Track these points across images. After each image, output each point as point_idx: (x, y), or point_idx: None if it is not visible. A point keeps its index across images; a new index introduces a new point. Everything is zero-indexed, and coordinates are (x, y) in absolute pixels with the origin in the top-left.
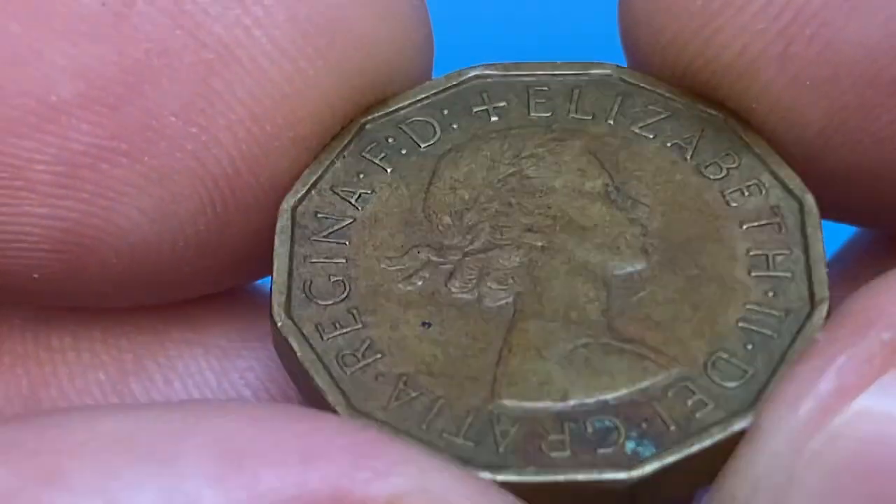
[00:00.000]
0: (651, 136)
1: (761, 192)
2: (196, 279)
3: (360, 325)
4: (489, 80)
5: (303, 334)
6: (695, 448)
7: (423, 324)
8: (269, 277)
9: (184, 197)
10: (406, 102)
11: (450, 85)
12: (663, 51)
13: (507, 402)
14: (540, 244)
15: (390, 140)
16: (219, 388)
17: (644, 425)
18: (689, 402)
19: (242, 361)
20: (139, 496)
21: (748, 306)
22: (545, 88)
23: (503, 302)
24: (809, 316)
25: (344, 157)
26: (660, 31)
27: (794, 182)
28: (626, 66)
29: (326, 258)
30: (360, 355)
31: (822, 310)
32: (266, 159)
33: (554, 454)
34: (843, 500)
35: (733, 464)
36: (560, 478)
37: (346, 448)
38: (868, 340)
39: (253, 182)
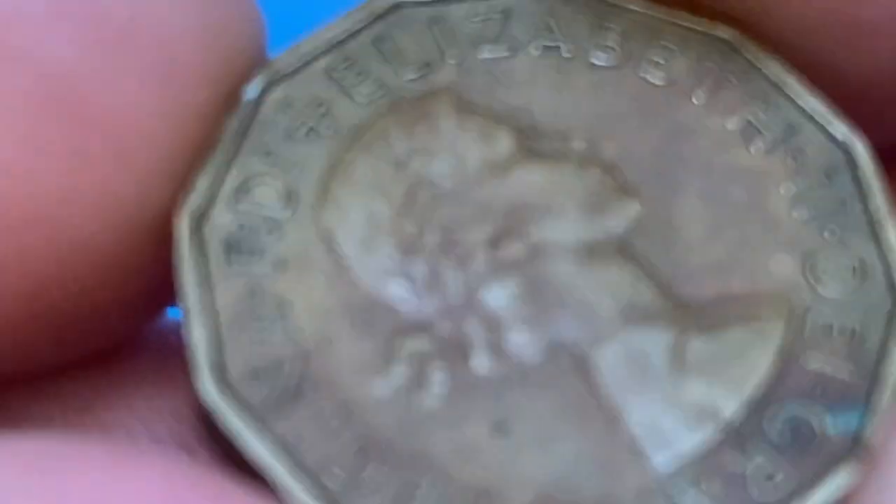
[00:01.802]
0: (508, 53)
1: (676, 54)
2: None
3: (432, 477)
4: (280, 87)
5: None
6: (892, 383)
7: (496, 429)
8: None
9: None
10: (210, 180)
11: (246, 118)
12: None
13: (666, 460)
14: (521, 253)
15: (242, 228)
16: None
17: (820, 392)
18: (835, 333)
19: None
20: None
21: (781, 189)
22: (351, 60)
23: (547, 346)
24: (856, 177)
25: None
26: None
27: (712, 32)
28: None
29: (321, 424)
30: None
31: (861, 149)
32: None
33: (768, 486)
34: None
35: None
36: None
37: None
38: None
39: None
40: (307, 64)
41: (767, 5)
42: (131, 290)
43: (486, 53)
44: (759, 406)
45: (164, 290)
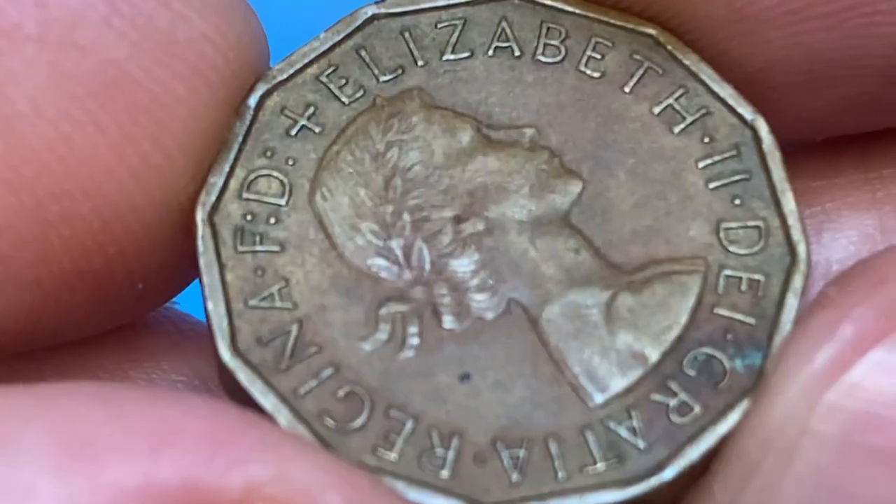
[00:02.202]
0: (468, 55)
1: (610, 49)
2: None
3: (409, 420)
4: (276, 93)
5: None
6: (787, 327)
7: (462, 378)
8: None
9: None
10: (221, 177)
11: (248, 122)
12: None
13: (603, 399)
14: (481, 228)
15: (248, 216)
16: None
17: (730, 336)
18: (743, 288)
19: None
20: None
21: (701, 164)
22: (335, 67)
23: (504, 306)
24: (761, 152)
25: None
26: None
27: (640, 29)
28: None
29: (316, 380)
30: (442, 445)
31: (764, 128)
32: (26, 232)
33: (687, 418)
34: (859, 454)
35: (742, 424)
36: (716, 436)
37: (201, 433)
38: (886, 292)
39: (11, 255)
40: (299, 72)
41: (680, 4)
42: (159, 261)
43: (449, 55)
44: (680, 351)
45: (183, 268)
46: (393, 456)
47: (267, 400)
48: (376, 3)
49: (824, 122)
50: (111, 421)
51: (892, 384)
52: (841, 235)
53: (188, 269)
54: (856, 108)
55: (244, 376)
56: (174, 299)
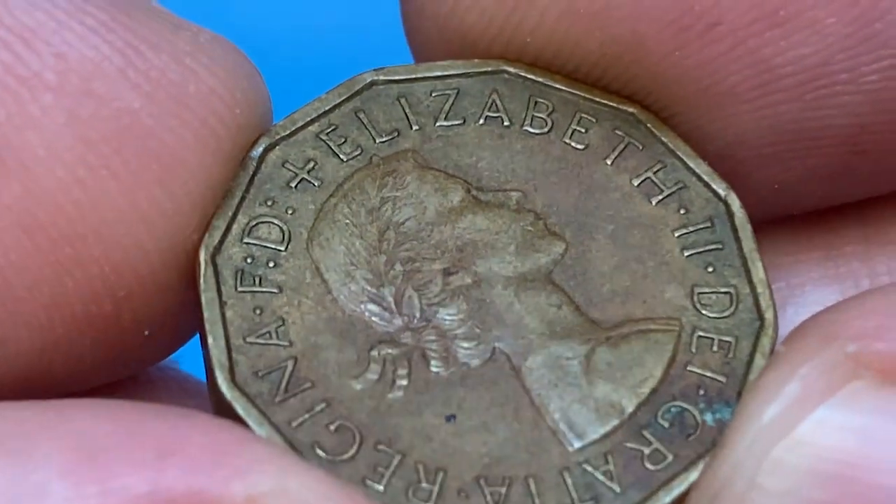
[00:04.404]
0: (460, 122)
1: (593, 124)
2: None
3: (397, 455)
4: (279, 147)
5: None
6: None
7: (448, 418)
8: None
9: None
10: (224, 221)
11: (251, 172)
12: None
13: (581, 444)
14: (469, 281)
15: (248, 258)
16: None
17: (702, 392)
18: (715, 349)
19: None
20: None
21: (677, 233)
22: (335, 127)
23: (488, 354)
24: (733, 224)
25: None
26: None
27: (622, 107)
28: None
29: (309, 413)
30: (428, 480)
31: (737, 202)
32: (40, 274)
33: (660, 465)
34: None
35: (699, 477)
36: (687, 483)
37: (206, 446)
38: (832, 351)
39: (25, 297)
40: (300, 129)
41: (656, 83)
42: (164, 308)
43: (442, 122)
44: (654, 403)
45: (186, 318)
46: (380, 487)
47: (262, 430)
48: (375, 70)
49: (796, 195)
50: (121, 432)
51: (836, 441)
52: (804, 310)
53: (191, 320)
54: (825, 179)
55: (240, 407)
56: (175, 359)
